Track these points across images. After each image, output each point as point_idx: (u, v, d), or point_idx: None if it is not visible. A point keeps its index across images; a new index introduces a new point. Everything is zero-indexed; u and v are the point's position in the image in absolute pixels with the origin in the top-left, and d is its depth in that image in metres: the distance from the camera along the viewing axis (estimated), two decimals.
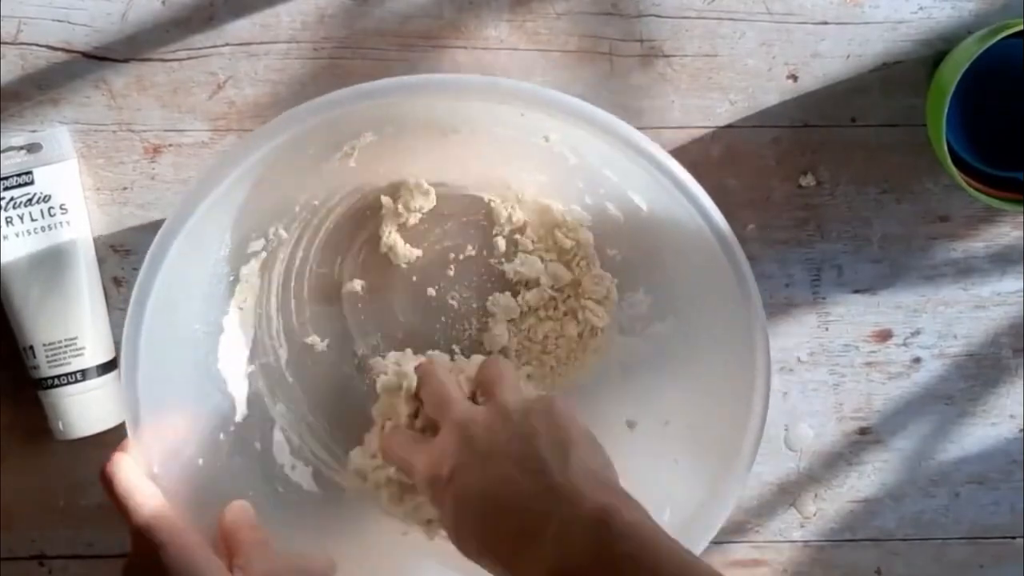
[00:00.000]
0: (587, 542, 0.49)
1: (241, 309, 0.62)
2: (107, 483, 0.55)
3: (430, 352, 0.64)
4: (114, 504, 0.55)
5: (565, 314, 0.64)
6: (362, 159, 0.60)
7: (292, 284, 0.64)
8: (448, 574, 0.61)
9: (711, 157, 0.65)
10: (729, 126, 0.65)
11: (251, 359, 0.64)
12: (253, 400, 0.63)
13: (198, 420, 0.60)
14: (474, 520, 0.53)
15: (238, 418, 0.62)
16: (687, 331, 0.62)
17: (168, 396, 0.58)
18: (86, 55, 0.63)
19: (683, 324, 0.62)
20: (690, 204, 0.56)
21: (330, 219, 0.64)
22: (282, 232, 0.62)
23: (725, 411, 0.59)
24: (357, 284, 0.64)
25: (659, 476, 0.61)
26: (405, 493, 0.61)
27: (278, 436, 0.64)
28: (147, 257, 0.55)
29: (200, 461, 0.59)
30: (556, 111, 0.55)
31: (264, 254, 0.62)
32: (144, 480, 0.56)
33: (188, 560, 0.54)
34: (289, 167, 0.58)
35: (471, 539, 0.53)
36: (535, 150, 0.60)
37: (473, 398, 0.59)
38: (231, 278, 0.61)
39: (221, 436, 0.61)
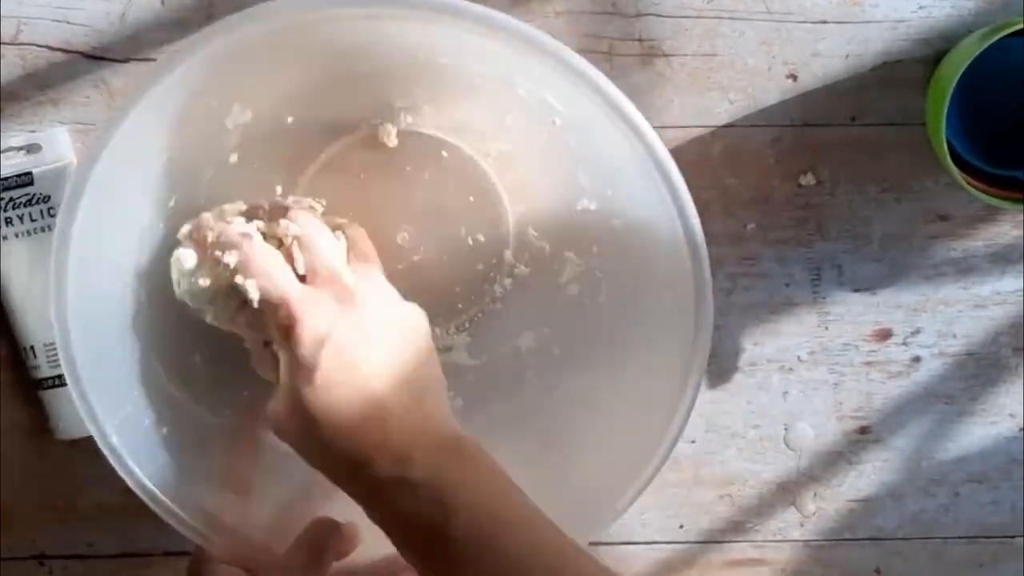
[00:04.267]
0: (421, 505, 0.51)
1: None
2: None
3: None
4: None
5: None
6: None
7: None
8: None
9: (711, 157, 0.65)
10: (729, 125, 0.65)
11: None
12: None
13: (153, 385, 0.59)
14: (314, 433, 0.53)
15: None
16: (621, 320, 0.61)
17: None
18: (85, 55, 0.63)
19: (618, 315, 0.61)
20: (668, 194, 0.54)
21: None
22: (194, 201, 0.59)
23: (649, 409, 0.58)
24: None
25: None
26: (239, 312, 0.57)
27: None
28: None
29: (165, 430, 0.59)
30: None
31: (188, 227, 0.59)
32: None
33: None
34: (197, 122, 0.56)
35: (305, 446, 0.54)
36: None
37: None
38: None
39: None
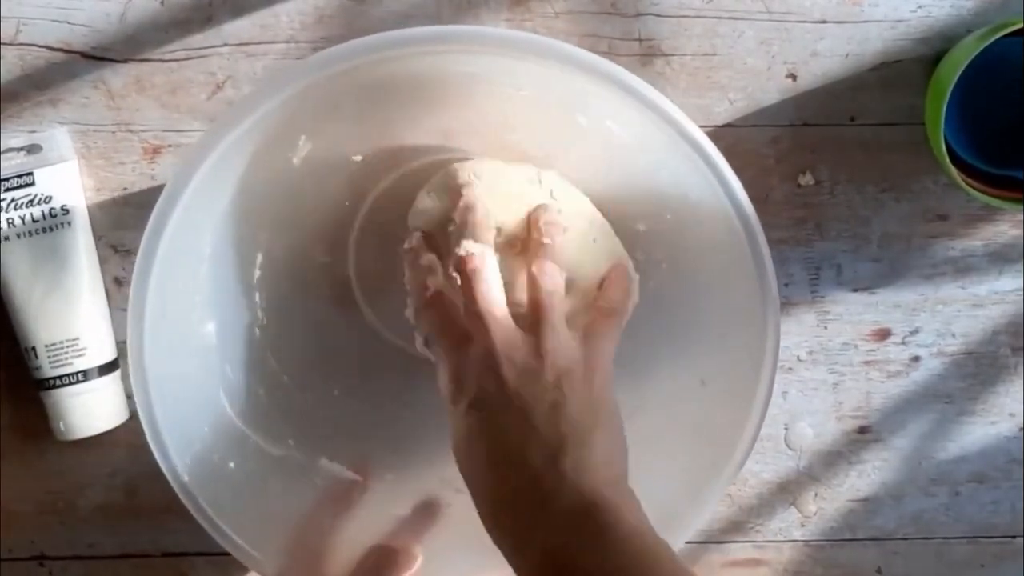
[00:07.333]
0: (575, 535, 0.49)
1: (259, 330, 0.61)
2: None
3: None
4: None
5: None
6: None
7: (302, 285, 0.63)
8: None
9: None
10: (728, 125, 0.65)
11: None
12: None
13: (219, 418, 0.60)
14: (481, 466, 0.52)
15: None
16: (693, 314, 0.61)
17: (181, 395, 0.58)
18: (85, 55, 0.63)
19: (689, 307, 0.61)
20: (716, 183, 0.55)
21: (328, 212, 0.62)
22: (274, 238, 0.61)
23: (724, 403, 0.58)
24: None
25: (646, 464, 0.61)
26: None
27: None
28: (139, 254, 0.54)
29: (231, 464, 0.59)
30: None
31: (259, 271, 0.61)
32: None
33: None
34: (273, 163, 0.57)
35: (475, 483, 0.52)
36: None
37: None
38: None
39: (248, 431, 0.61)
